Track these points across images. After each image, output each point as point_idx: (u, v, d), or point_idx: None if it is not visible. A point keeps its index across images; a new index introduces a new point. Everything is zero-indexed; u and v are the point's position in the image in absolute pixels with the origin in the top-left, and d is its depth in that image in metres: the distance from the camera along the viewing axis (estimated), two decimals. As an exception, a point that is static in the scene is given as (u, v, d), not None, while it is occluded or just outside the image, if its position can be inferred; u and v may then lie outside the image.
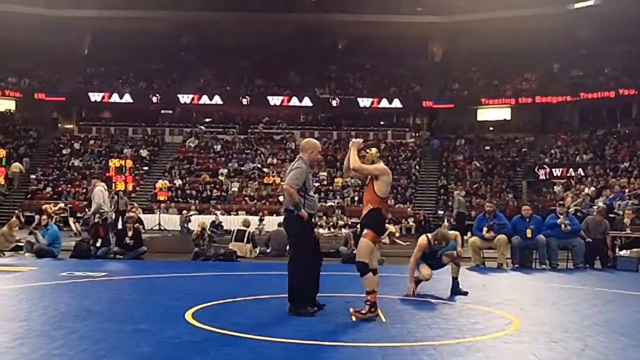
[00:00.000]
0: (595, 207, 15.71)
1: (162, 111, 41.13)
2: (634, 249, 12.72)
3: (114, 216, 16.16)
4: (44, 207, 21.34)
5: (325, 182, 32.78)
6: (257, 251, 15.03)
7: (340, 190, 31.92)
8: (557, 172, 31.81)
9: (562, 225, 12.74)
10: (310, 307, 6.90)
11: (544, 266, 12.62)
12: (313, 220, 7.39)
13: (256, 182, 33.29)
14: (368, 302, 6.71)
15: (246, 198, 31.81)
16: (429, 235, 8.76)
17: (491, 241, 12.74)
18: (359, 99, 39.60)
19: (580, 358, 5.27)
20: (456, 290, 8.55)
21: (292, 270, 6.98)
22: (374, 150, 7.06)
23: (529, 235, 12.61)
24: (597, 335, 6.15)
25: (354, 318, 6.66)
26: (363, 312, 6.69)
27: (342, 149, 34.01)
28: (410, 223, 27.96)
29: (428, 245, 8.60)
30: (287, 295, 7.01)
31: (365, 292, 6.76)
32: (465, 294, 8.48)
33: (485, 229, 12.81)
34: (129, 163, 16.43)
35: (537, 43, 37.57)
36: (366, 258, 6.72)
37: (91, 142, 37.97)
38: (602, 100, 36.40)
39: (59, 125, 41.26)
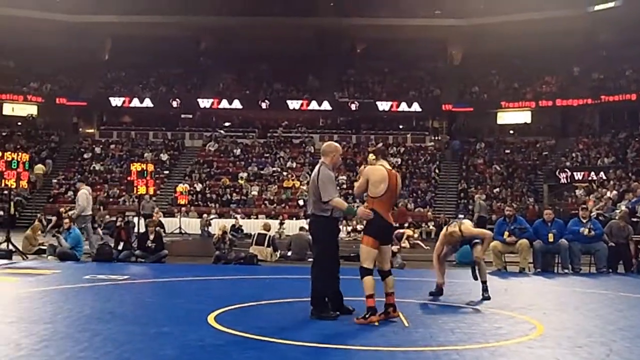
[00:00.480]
0: (617, 211, 15.53)
1: (182, 115, 41.40)
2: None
3: (137, 220, 16.28)
4: (61, 209, 21.63)
5: (344, 186, 32.74)
6: (278, 255, 15.05)
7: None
8: (578, 175, 31.52)
9: (587, 231, 12.60)
10: (332, 311, 6.89)
11: (566, 270, 12.49)
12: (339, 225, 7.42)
13: (276, 186, 33.40)
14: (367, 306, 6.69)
15: (266, 202, 31.91)
16: (449, 228, 8.76)
17: (513, 245, 12.64)
18: (378, 103, 39.59)
19: (606, 363, 5.21)
20: (482, 294, 8.50)
21: (317, 274, 6.98)
22: (370, 156, 7.23)
23: (551, 239, 12.48)
24: (621, 340, 6.07)
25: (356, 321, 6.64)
26: (360, 317, 6.67)
27: (362, 152, 33.97)
28: (431, 227, 27.84)
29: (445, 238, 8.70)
30: (308, 299, 7.01)
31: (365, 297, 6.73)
32: (488, 298, 8.42)
33: (506, 233, 12.71)
34: (150, 167, 16.44)
35: (557, 46, 37.37)
36: (365, 263, 6.74)
37: (112, 146, 38.33)
38: (623, 102, 36.05)
39: (80, 129, 41.73)
